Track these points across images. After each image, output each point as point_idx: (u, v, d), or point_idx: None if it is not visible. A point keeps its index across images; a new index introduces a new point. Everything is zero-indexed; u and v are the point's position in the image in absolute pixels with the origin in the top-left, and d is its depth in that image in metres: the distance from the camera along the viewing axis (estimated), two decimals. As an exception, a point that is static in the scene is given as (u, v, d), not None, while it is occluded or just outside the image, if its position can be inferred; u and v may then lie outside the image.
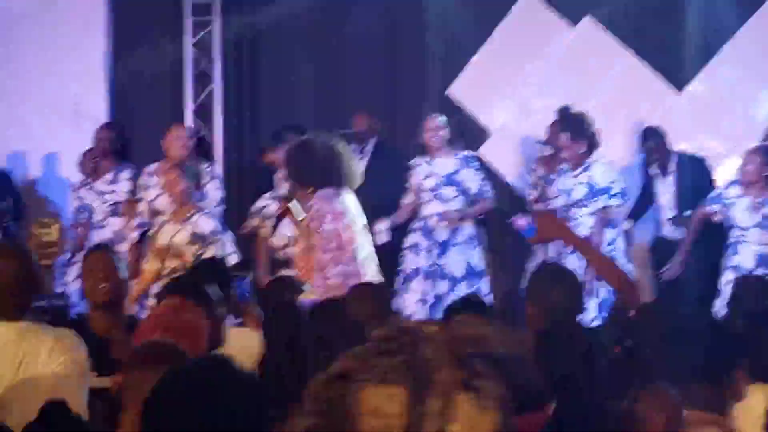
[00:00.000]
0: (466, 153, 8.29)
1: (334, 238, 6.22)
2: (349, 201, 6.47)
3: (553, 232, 4.21)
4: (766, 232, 7.34)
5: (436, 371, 1.59)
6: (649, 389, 2.98)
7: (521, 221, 7.90)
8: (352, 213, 6.42)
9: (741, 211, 7.43)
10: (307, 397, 1.67)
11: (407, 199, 8.27)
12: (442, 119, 8.24)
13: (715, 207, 7.60)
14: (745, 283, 5.35)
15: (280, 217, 7.50)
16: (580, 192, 7.78)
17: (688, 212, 8.00)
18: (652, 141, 8.57)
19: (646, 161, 8.69)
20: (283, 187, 7.81)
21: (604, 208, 7.75)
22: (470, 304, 4.83)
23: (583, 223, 7.73)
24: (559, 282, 4.45)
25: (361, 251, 6.34)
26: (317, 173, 6.41)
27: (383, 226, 8.04)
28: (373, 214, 8.32)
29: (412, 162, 8.30)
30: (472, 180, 8.12)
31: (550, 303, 4.32)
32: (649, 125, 8.79)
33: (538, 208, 8.16)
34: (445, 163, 8.13)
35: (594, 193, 7.76)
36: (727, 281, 7.28)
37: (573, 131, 7.91)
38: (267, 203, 8.12)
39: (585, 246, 6.76)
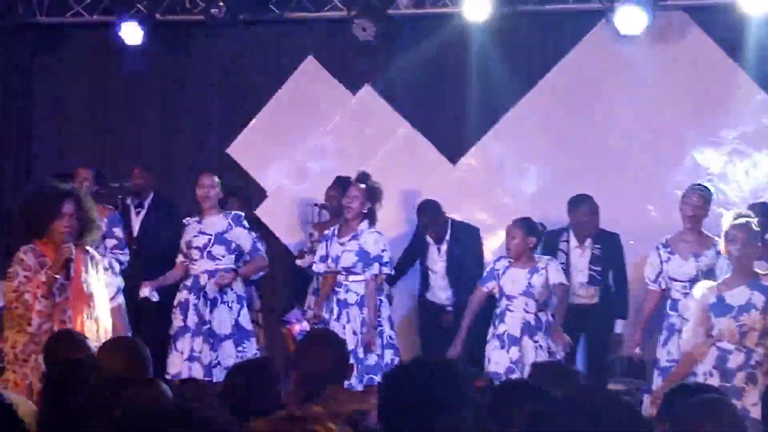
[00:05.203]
0: (236, 212, 8.15)
1: None
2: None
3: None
4: (531, 300, 7.55)
5: None
6: None
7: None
8: None
9: (509, 282, 7.65)
10: None
11: (179, 259, 8.10)
12: (214, 178, 8.07)
13: (491, 285, 7.78)
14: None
15: None
16: (348, 259, 7.84)
17: None
18: (429, 213, 8.80)
19: (421, 230, 8.90)
20: None
21: (375, 275, 7.86)
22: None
23: (354, 290, 7.83)
24: (325, 347, 4.47)
25: None
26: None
27: (146, 291, 7.85)
28: (149, 267, 8.24)
29: (184, 221, 8.14)
30: (245, 238, 8.02)
31: (312, 367, 4.34)
32: (426, 199, 8.98)
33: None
34: (215, 222, 8.00)
35: (366, 261, 7.84)
36: (494, 348, 7.53)
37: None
38: None
39: None
